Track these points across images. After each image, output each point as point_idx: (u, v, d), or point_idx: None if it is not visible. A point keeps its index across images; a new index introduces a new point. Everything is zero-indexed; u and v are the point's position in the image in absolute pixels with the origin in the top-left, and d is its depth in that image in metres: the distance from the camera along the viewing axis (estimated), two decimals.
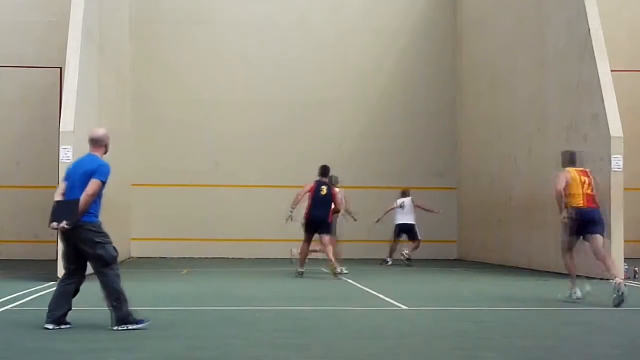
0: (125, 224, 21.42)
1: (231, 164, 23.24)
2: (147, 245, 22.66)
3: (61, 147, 14.45)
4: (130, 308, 8.63)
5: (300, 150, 23.23)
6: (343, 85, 23.65)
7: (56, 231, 8.70)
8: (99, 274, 8.62)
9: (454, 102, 23.91)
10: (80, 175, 8.70)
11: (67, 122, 14.59)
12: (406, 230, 20.34)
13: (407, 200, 20.39)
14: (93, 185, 8.57)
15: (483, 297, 12.92)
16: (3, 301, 11.26)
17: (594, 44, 15.88)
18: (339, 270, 15.54)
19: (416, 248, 20.24)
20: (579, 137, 16.38)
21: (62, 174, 14.16)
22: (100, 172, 8.64)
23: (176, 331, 8.67)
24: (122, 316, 8.51)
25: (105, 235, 8.69)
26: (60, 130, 14.59)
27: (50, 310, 8.70)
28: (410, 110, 23.82)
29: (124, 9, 21.80)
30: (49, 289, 13.04)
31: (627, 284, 14.60)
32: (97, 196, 8.65)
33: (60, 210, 8.56)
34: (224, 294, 13.08)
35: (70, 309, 8.78)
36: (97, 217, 8.69)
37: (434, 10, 24.24)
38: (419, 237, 20.29)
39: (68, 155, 14.33)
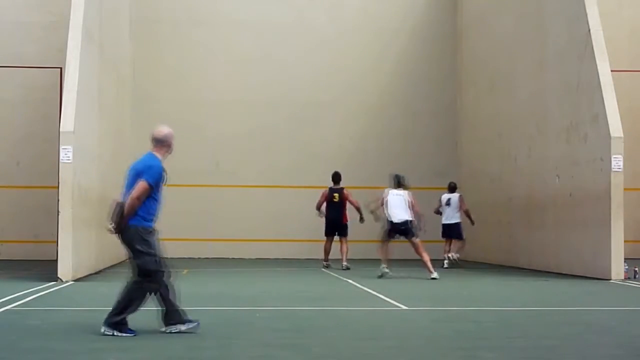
0: None
1: (231, 164, 23.23)
2: None
3: (61, 147, 14.43)
4: (127, 317, 8.30)
5: (300, 150, 23.24)
6: (343, 84, 23.64)
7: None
8: (135, 277, 8.28)
9: (454, 102, 23.90)
10: (132, 175, 8.36)
11: (67, 122, 14.57)
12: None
13: (452, 197, 19.71)
14: (138, 186, 8.11)
15: (483, 297, 12.92)
16: (3, 301, 11.24)
17: (594, 44, 15.87)
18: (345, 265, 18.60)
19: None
20: (579, 137, 16.38)
21: (62, 174, 14.29)
22: (148, 173, 8.21)
23: None
24: (116, 321, 8.23)
25: (149, 245, 8.14)
26: (60, 130, 14.57)
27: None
28: (410, 110, 23.80)
29: (124, 9, 21.78)
30: (49, 289, 13.06)
31: (628, 283, 14.63)
32: (151, 198, 8.21)
33: (113, 212, 8.19)
34: (224, 294, 13.07)
35: (176, 310, 8.43)
36: (146, 220, 8.18)
37: (434, 10, 24.23)
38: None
39: (68, 155, 14.33)
